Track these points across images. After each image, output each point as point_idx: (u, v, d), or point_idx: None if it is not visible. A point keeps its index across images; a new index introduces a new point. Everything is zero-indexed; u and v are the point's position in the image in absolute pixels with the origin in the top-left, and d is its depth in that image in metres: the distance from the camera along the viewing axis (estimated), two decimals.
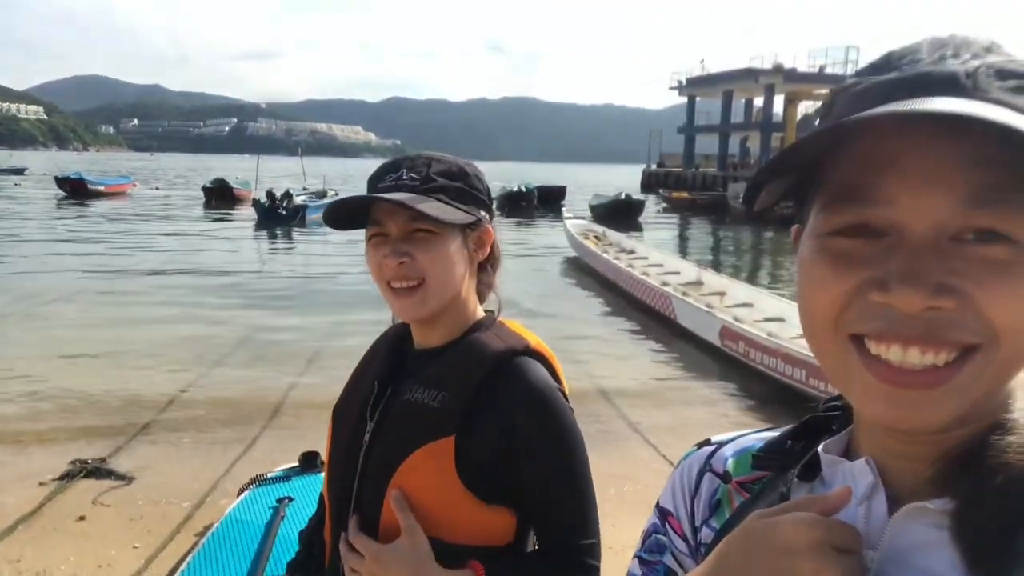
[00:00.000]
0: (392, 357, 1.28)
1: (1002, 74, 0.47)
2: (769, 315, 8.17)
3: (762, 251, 19.45)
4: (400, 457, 1.15)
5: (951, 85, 0.46)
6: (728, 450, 0.72)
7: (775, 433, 0.69)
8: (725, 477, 0.70)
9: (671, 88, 59.49)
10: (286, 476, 2.72)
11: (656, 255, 12.71)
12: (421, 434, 1.14)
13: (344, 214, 1.20)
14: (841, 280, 0.49)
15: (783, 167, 0.51)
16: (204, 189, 30.37)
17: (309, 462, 2.72)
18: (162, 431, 5.13)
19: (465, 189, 1.21)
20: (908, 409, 0.47)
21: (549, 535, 1.17)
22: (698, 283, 10.32)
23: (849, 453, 0.59)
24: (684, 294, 9.17)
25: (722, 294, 9.49)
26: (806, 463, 0.61)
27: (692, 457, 0.74)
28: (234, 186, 29.87)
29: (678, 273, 11.00)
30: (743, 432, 0.74)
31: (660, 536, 0.74)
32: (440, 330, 1.23)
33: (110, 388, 6.04)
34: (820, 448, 0.60)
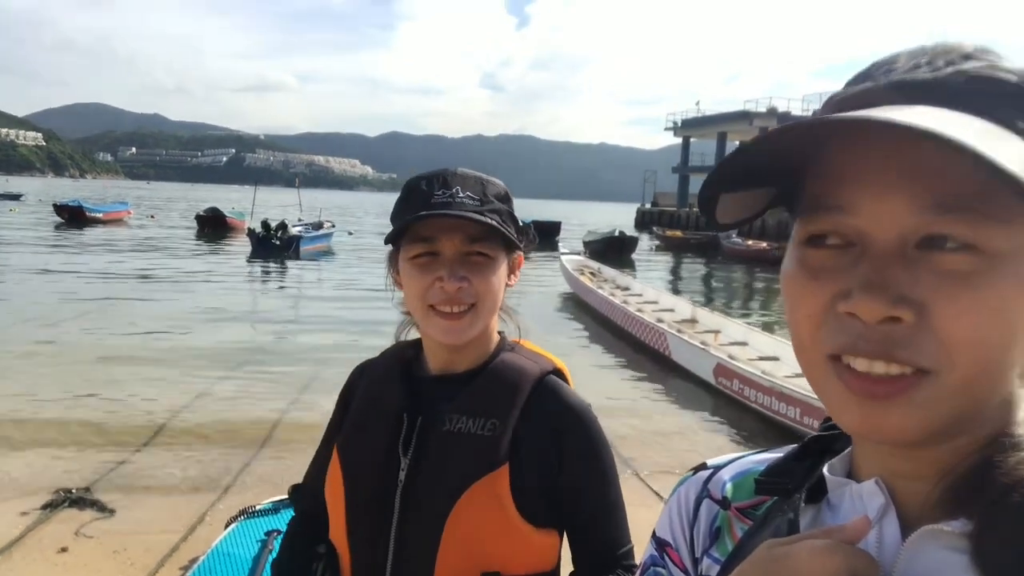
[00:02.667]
0: (406, 386, 1.21)
1: (975, 82, 0.46)
2: (764, 354, 8.17)
3: (755, 291, 19.51)
4: (456, 494, 1.09)
5: (920, 93, 0.46)
6: (726, 474, 0.69)
7: (774, 455, 0.66)
8: (724, 503, 0.67)
9: (666, 129, 60.34)
10: (275, 508, 2.66)
11: (651, 292, 12.74)
12: (476, 466, 1.10)
13: (399, 230, 1.14)
14: (814, 294, 0.49)
15: (729, 176, 0.50)
16: (197, 217, 30.35)
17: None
18: (149, 460, 5.03)
19: (511, 212, 1.19)
20: (877, 419, 0.47)
21: (592, 549, 1.15)
22: (692, 320, 10.33)
23: (852, 474, 0.57)
24: (679, 331, 9.15)
25: (717, 332, 9.49)
26: (814, 485, 0.59)
27: (688, 483, 0.71)
28: (228, 215, 29.93)
29: (672, 310, 11.01)
30: (739, 455, 0.71)
31: (659, 569, 0.70)
32: (470, 354, 1.19)
33: (96, 415, 5.95)
34: (825, 469, 0.58)
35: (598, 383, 7.92)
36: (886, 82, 0.49)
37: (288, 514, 2.57)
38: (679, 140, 60.05)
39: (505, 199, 1.17)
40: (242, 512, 2.67)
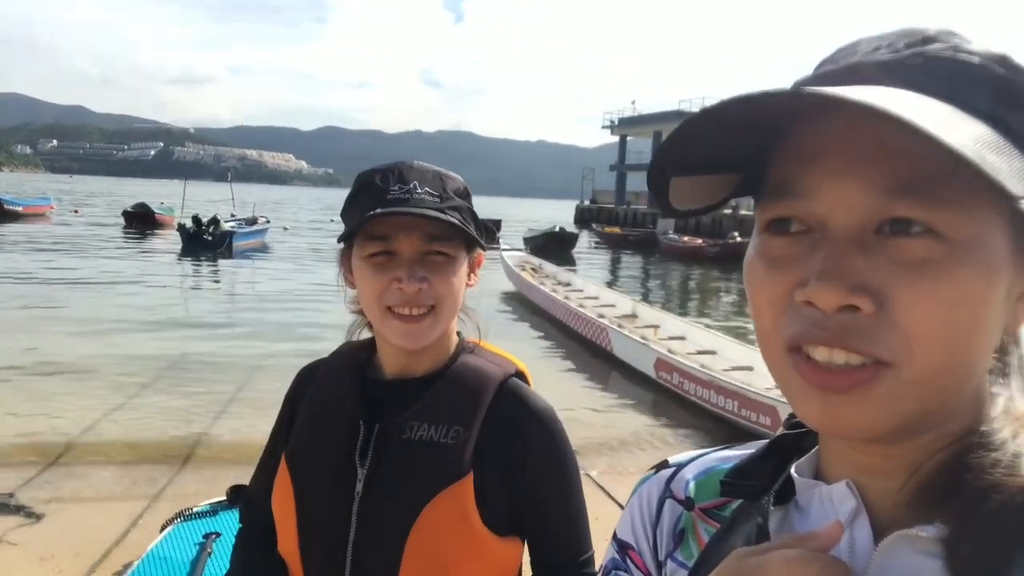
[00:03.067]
0: (360, 390, 1.14)
1: (931, 62, 0.45)
2: (702, 348, 8.34)
3: (691, 286, 19.94)
4: (419, 505, 1.03)
5: (879, 75, 0.45)
6: (688, 473, 0.66)
7: (738, 452, 0.64)
8: (687, 503, 0.64)
9: (603, 127, 61.10)
10: (213, 511, 2.58)
11: (592, 288, 12.86)
12: (439, 476, 1.04)
13: (358, 228, 1.06)
14: (773, 283, 0.48)
15: (672, 159, 0.48)
16: (124, 213, 29.31)
17: (238, 495, 2.58)
18: (76, 463, 4.83)
19: (471, 209, 1.13)
20: (836, 412, 0.45)
21: (553, 557, 1.12)
22: (633, 316, 10.48)
23: (820, 474, 0.56)
24: (620, 326, 9.26)
25: (656, 327, 9.64)
26: (779, 488, 0.57)
27: (650, 482, 0.68)
28: (156, 211, 28.96)
29: (613, 306, 11.14)
30: (702, 452, 0.68)
31: (620, 572, 0.68)
32: (428, 357, 1.13)
33: (19, 417, 5.67)
34: (792, 470, 0.56)
35: (541, 379, 7.86)
36: (845, 64, 0.48)
37: (227, 516, 2.50)
38: (616, 138, 60.89)
39: (465, 195, 1.12)
40: (178, 515, 2.58)
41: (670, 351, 7.90)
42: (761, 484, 0.58)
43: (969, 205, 0.43)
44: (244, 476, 1.29)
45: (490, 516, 1.06)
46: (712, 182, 0.52)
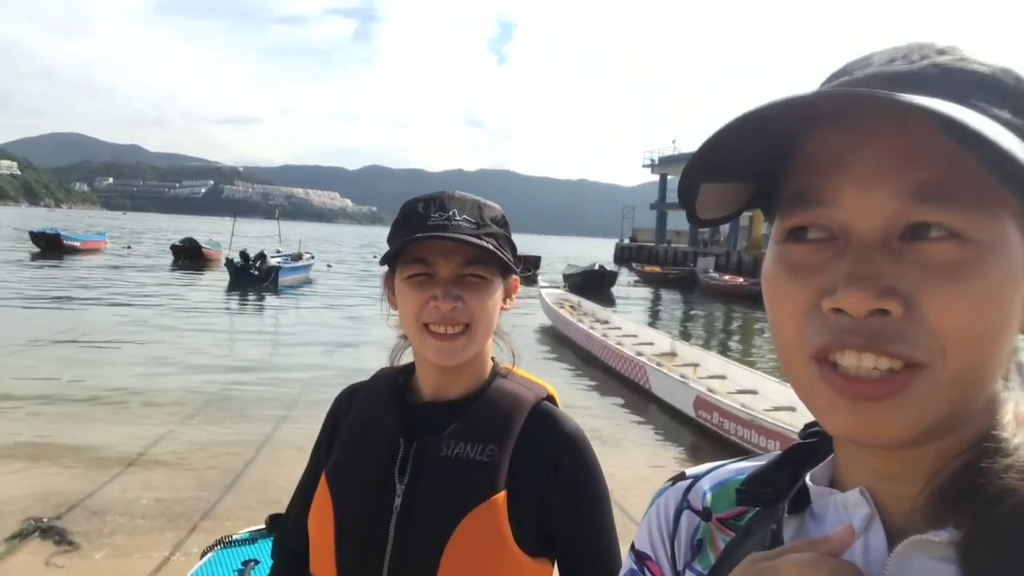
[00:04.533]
0: (400, 410, 1.19)
1: (949, 73, 0.46)
2: (742, 387, 8.20)
3: (732, 324, 19.65)
4: (455, 519, 1.07)
5: (895, 85, 0.45)
6: (705, 484, 0.67)
7: (754, 463, 0.65)
8: (705, 514, 0.65)
9: (644, 166, 61.12)
10: (252, 538, 2.61)
11: (630, 325, 12.77)
12: (474, 491, 1.08)
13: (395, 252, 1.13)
14: (797, 291, 0.48)
15: (707, 163, 0.48)
16: (173, 247, 30.03)
17: (276, 524, 2.61)
18: (120, 491, 4.92)
19: (508, 236, 1.19)
20: (869, 420, 0.45)
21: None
22: (672, 354, 10.36)
23: (835, 482, 0.56)
24: (659, 364, 9.18)
25: (696, 365, 9.52)
26: (794, 496, 0.57)
27: (667, 494, 0.69)
28: (203, 246, 29.64)
29: (652, 344, 11.04)
30: (718, 464, 0.69)
31: None
32: (464, 379, 1.18)
33: (68, 444, 5.82)
34: (807, 478, 0.57)
35: (578, 416, 7.86)
36: (861, 75, 0.48)
37: (265, 544, 2.53)
38: (656, 177, 60.82)
39: (502, 223, 1.18)
40: (218, 542, 2.61)
41: (710, 390, 7.78)
42: (776, 492, 0.59)
43: (991, 208, 0.44)
44: (283, 506, 1.33)
45: (522, 535, 1.09)
46: (730, 190, 0.52)
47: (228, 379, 8.67)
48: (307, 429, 5.96)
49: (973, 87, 0.46)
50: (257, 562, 2.37)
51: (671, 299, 25.72)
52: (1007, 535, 0.44)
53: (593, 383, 9.67)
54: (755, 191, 0.53)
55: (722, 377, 8.82)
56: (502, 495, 1.08)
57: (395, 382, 1.24)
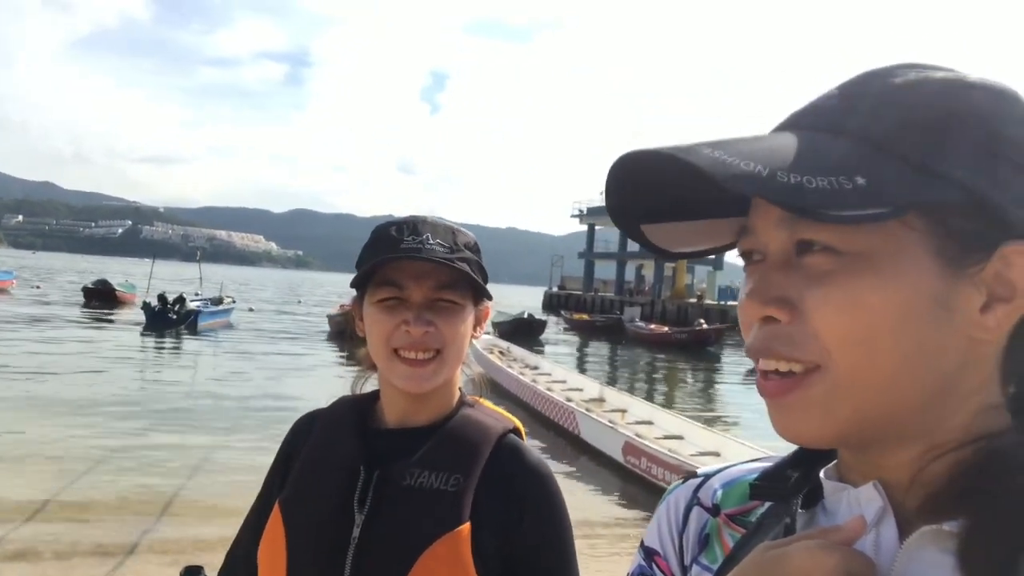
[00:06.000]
0: (362, 438, 1.14)
1: (843, 99, 0.52)
2: (669, 432, 8.32)
3: (657, 371, 20.01)
4: (416, 551, 1.02)
5: (808, 118, 0.53)
6: (716, 482, 0.68)
7: (767, 463, 0.65)
8: (714, 510, 0.66)
9: (572, 215, 62.37)
10: None
11: (560, 371, 12.85)
12: (438, 522, 1.04)
13: (366, 273, 1.09)
14: (744, 308, 0.53)
15: (642, 210, 0.55)
16: (84, 289, 28.85)
17: None
18: (21, 546, 4.58)
19: (480, 263, 1.16)
20: (784, 419, 0.50)
21: None
22: (600, 400, 10.45)
23: (844, 479, 0.57)
24: (588, 410, 9.24)
25: (623, 411, 9.62)
26: (808, 491, 0.58)
27: (678, 491, 0.70)
28: (117, 288, 28.61)
29: (581, 389, 11.12)
30: (730, 464, 0.71)
31: None
32: (431, 407, 1.14)
33: None
34: (822, 474, 0.58)
35: None
36: (786, 120, 0.54)
37: None
38: (584, 227, 62.11)
39: (475, 249, 1.16)
40: None
41: (638, 435, 7.87)
42: (790, 487, 0.60)
43: (856, 223, 0.45)
44: (196, 559, 1.24)
45: (483, 567, 1.05)
46: (706, 230, 0.57)
47: (137, 432, 8.25)
48: (217, 487, 5.73)
49: (828, 113, 0.52)
50: None
51: (599, 346, 26.05)
52: (1008, 528, 0.45)
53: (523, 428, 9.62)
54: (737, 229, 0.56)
55: (649, 423, 8.93)
56: (466, 527, 1.04)
57: (357, 408, 1.19)
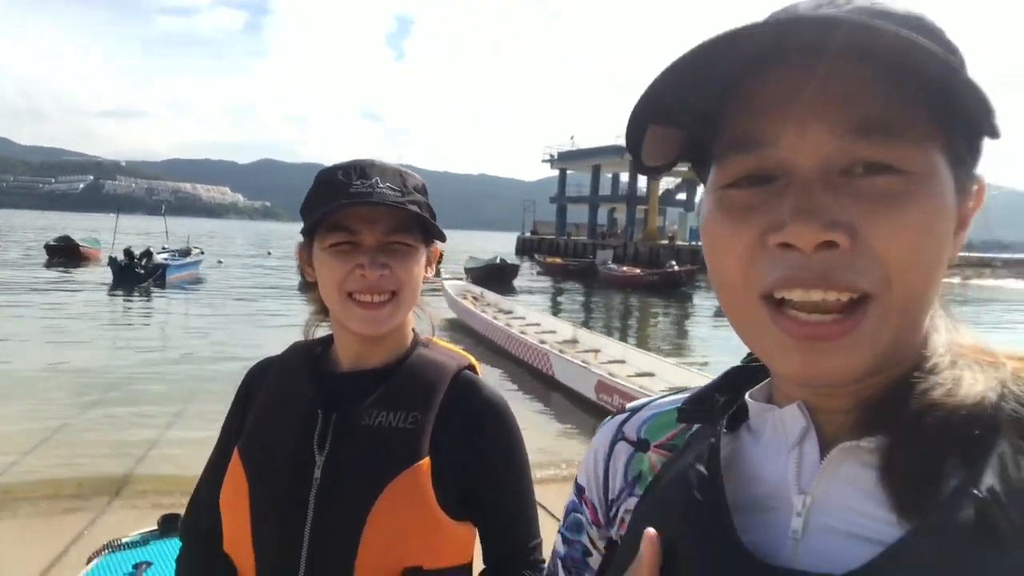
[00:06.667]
0: (317, 381, 1.15)
1: (876, 13, 0.47)
2: (641, 370, 8.46)
3: (630, 312, 20.23)
4: (378, 487, 1.05)
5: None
6: (642, 415, 0.69)
7: (692, 393, 0.67)
8: (642, 445, 0.67)
9: (543, 161, 61.96)
10: (144, 540, 2.49)
11: (533, 315, 12.93)
12: (398, 458, 1.06)
13: (318, 220, 1.09)
14: (741, 233, 0.48)
15: (654, 104, 0.48)
16: (47, 247, 28.15)
17: (170, 525, 2.49)
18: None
19: (429, 205, 1.16)
20: (821, 361, 0.47)
21: (504, 540, 1.15)
22: (574, 341, 10.56)
23: (772, 401, 0.58)
24: (561, 351, 9.35)
25: (596, 351, 9.74)
26: (733, 413, 0.60)
27: (605, 428, 0.72)
28: (80, 244, 27.94)
29: (554, 332, 11.22)
30: (656, 397, 0.72)
31: (578, 514, 0.72)
32: (385, 348, 1.16)
33: None
34: (747, 396, 0.59)
35: None
36: (789, 17, 0.47)
37: (159, 546, 2.41)
38: (556, 172, 61.76)
39: (423, 191, 1.16)
40: (106, 546, 2.47)
41: (611, 374, 7.99)
42: (716, 410, 0.61)
43: (920, 141, 0.46)
44: (176, 507, 1.26)
45: (445, 499, 1.08)
46: (669, 139, 0.53)
47: (113, 381, 8.20)
48: (197, 434, 5.74)
49: (900, 23, 0.46)
50: (150, 564, 2.27)
51: (572, 290, 26.20)
52: (928, 443, 0.46)
53: (498, 372, 9.73)
54: (688, 140, 0.53)
55: (622, 362, 9.06)
56: (426, 462, 1.07)
57: (311, 354, 1.20)
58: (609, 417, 0.73)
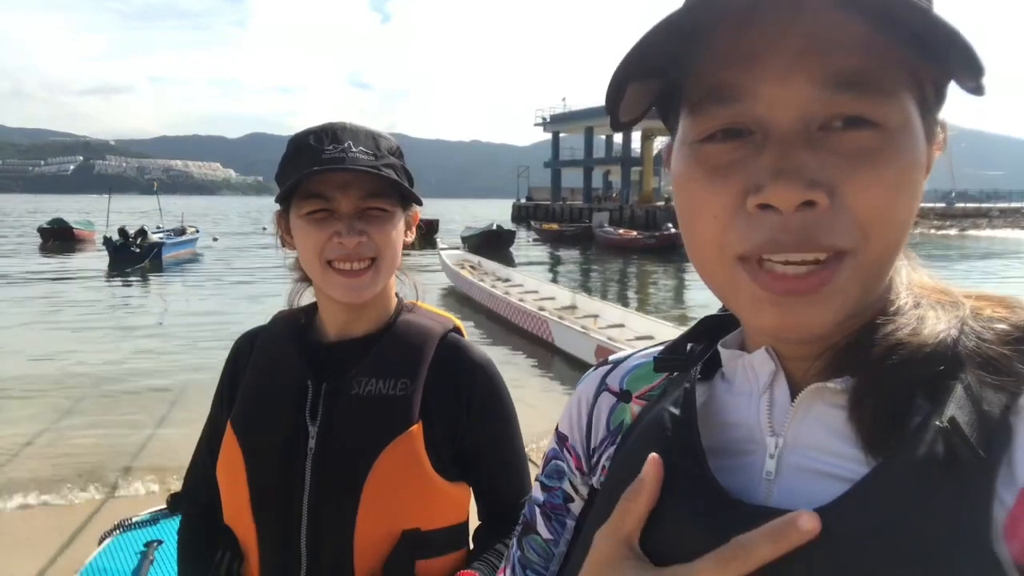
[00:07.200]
0: (305, 352, 1.15)
1: None
2: (640, 334, 8.49)
3: (628, 276, 20.25)
4: (372, 455, 1.07)
5: None
6: (624, 367, 0.70)
7: (668, 343, 0.68)
8: (624, 396, 0.68)
9: (536, 124, 61.45)
10: (154, 519, 2.51)
11: (531, 282, 12.94)
12: (390, 426, 1.08)
13: (291, 188, 1.07)
14: (720, 192, 0.48)
15: (639, 66, 0.47)
16: (40, 230, 28.09)
17: (179, 503, 2.51)
18: (4, 487, 4.62)
19: (405, 168, 1.15)
20: (796, 315, 0.47)
21: (498, 495, 1.17)
22: (572, 307, 10.58)
23: (745, 348, 0.59)
24: (560, 317, 9.38)
25: (596, 316, 9.77)
26: (707, 360, 0.61)
27: (588, 378, 0.72)
28: (74, 226, 27.85)
29: (553, 298, 11.24)
30: (638, 350, 0.72)
31: (559, 462, 0.72)
32: (370, 315, 1.16)
33: None
34: (719, 345, 0.60)
35: None
36: None
37: (169, 524, 2.44)
38: (549, 136, 61.28)
39: (398, 154, 1.14)
40: (117, 526, 2.50)
41: (610, 339, 8.03)
42: (690, 357, 0.62)
43: (897, 94, 0.45)
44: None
45: (438, 462, 1.10)
46: (641, 92, 0.51)
47: (117, 365, 8.24)
48: (202, 410, 5.78)
49: None
50: (161, 542, 2.29)
51: (569, 255, 26.19)
52: (894, 381, 0.47)
53: (497, 340, 9.77)
54: (657, 91, 0.52)
55: (621, 326, 9.10)
56: (418, 426, 1.09)
57: (296, 323, 1.20)
58: (592, 368, 0.74)
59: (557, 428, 0.74)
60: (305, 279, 1.19)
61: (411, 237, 1.20)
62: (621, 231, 30.05)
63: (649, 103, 0.53)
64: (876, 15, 0.42)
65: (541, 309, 9.94)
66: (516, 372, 8.11)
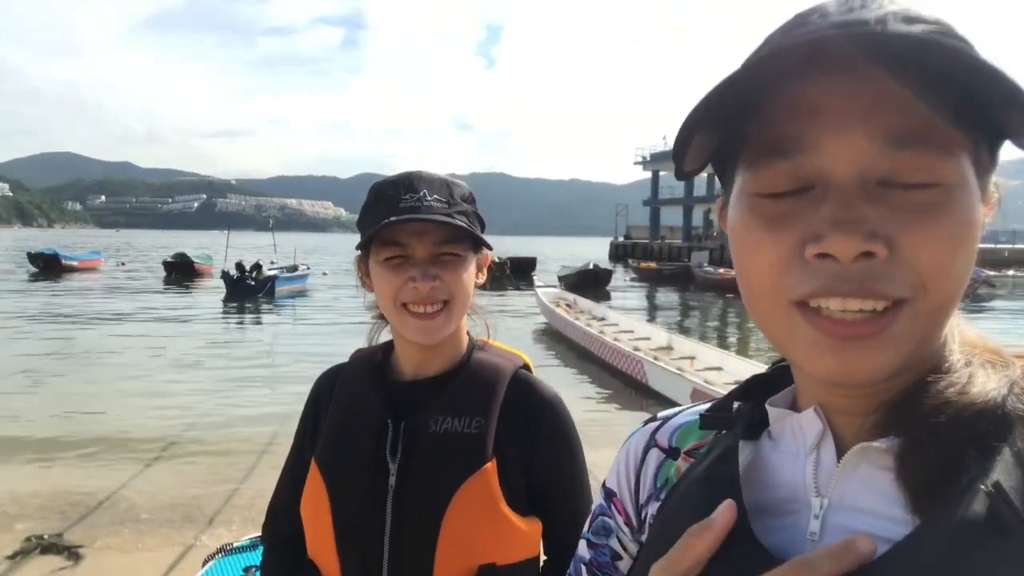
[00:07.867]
0: (383, 391, 1.21)
1: (909, 19, 0.46)
2: (739, 377, 8.14)
3: (728, 317, 19.67)
4: (450, 492, 1.11)
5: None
6: (673, 423, 0.70)
7: (714, 401, 0.67)
8: (673, 452, 0.68)
9: (635, 163, 61.24)
10: (253, 545, 2.63)
11: (627, 321, 12.81)
12: (466, 463, 1.12)
13: (374, 236, 1.13)
14: (776, 241, 0.48)
15: (707, 116, 0.48)
16: (164, 264, 30.08)
17: None
18: (120, 506, 4.93)
19: (477, 213, 1.21)
20: (853, 360, 0.47)
21: (565, 529, 1.18)
22: (668, 348, 10.40)
23: (795, 407, 0.58)
24: (655, 358, 9.22)
25: (692, 358, 9.55)
26: (756, 420, 0.61)
27: (638, 435, 0.72)
28: (195, 260, 29.66)
29: (648, 339, 11.08)
30: (689, 406, 0.72)
31: (607, 518, 0.72)
32: (444, 355, 1.21)
33: (67, 465, 5.84)
34: (767, 403, 0.60)
35: (576, 411, 7.86)
36: (826, 23, 0.47)
37: None
38: (648, 174, 60.93)
39: (471, 200, 1.20)
40: (220, 550, 2.63)
41: (707, 381, 7.82)
42: (735, 415, 0.62)
43: (954, 150, 0.46)
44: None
45: (512, 497, 1.14)
46: (704, 145, 0.52)
47: (226, 392, 8.67)
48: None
49: (930, 28, 0.46)
50: (258, 568, 2.39)
51: (667, 294, 25.74)
52: (937, 442, 0.47)
53: (591, 380, 9.69)
54: (716, 146, 0.53)
55: (719, 368, 8.85)
56: (492, 464, 1.12)
57: (375, 362, 1.26)
58: (641, 424, 0.74)
59: (604, 483, 0.74)
60: (382, 318, 1.25)
61: (482, 279, 1.25)
62: (721, 270, 29.31)
63: (709, 156, 0.54)
64: (933, 75, 0.43)
65: (636, 349, 9.81)
66: (607, 414, 8.01)
